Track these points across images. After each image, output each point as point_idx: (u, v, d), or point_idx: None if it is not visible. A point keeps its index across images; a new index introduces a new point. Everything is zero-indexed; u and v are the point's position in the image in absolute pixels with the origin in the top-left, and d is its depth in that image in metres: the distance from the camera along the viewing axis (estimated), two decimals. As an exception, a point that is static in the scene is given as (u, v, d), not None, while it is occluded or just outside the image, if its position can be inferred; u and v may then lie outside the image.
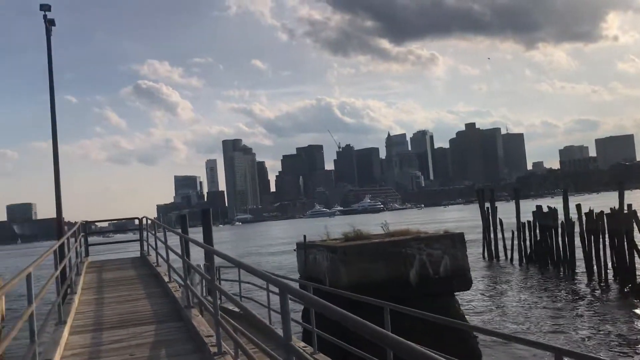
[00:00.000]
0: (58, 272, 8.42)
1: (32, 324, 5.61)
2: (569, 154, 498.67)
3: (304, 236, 18.66)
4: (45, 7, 19.71)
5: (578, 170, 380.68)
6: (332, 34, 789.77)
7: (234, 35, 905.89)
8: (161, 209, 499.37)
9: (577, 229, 27.97)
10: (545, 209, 31.86)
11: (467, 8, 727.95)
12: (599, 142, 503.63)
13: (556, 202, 38.22)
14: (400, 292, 14.28)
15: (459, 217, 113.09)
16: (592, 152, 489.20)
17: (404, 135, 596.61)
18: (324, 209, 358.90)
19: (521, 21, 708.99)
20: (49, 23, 20.12)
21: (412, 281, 15.06)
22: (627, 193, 28.51)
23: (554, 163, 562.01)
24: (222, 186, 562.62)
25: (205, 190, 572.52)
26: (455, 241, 15.84)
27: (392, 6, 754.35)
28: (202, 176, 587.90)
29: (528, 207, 38.56)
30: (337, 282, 14.48)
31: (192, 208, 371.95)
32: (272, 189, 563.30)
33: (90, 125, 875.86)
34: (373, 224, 30.43)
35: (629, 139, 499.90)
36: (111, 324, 8.99)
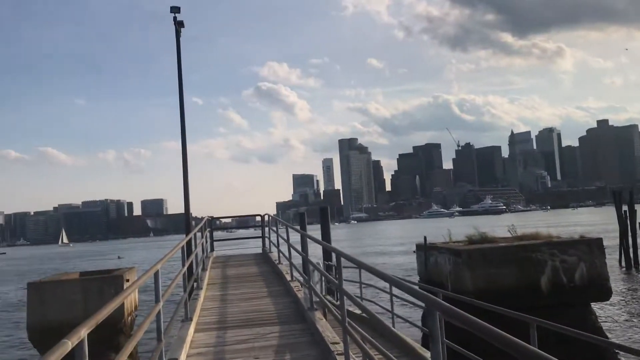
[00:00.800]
0: (185, 268, 8.55)
1: (159, 322, 5.63)
2: None
3: (424, 237, 17.96)
4: (174, 9, 20.53)
5: None
6: (450, 30, 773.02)
7: (350, 35, 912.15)
8: (280, 206, 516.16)
9: None
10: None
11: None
12: None
13: None
14: (530, 300, 13.26)
15: (591, 221, 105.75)
16: None
17: (528, 132, 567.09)
18: (442, 210, 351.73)
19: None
20: (179, 25, 20.92)
21: (543, 289, 13.94)
22: None
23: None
24: (337, 184, 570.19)
25: (321, 188, 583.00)
26: (592, 247, 14.47)
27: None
28: (319, 174, 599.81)
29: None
30: (461, 288, 13.72)
31: (310, 206, 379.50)
32: (388, 188, 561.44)
33: (214, 126, 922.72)
34: (496, 226, 29.00)
35: None
36: (235, 322, 9.00)
